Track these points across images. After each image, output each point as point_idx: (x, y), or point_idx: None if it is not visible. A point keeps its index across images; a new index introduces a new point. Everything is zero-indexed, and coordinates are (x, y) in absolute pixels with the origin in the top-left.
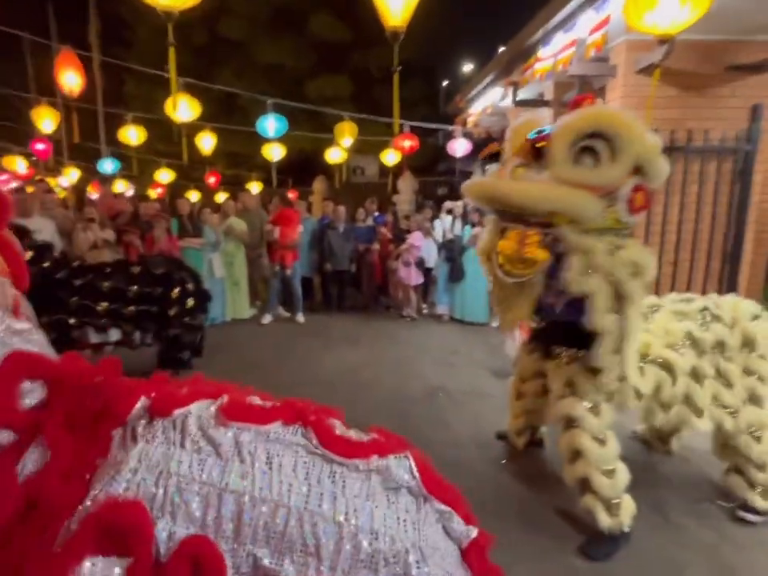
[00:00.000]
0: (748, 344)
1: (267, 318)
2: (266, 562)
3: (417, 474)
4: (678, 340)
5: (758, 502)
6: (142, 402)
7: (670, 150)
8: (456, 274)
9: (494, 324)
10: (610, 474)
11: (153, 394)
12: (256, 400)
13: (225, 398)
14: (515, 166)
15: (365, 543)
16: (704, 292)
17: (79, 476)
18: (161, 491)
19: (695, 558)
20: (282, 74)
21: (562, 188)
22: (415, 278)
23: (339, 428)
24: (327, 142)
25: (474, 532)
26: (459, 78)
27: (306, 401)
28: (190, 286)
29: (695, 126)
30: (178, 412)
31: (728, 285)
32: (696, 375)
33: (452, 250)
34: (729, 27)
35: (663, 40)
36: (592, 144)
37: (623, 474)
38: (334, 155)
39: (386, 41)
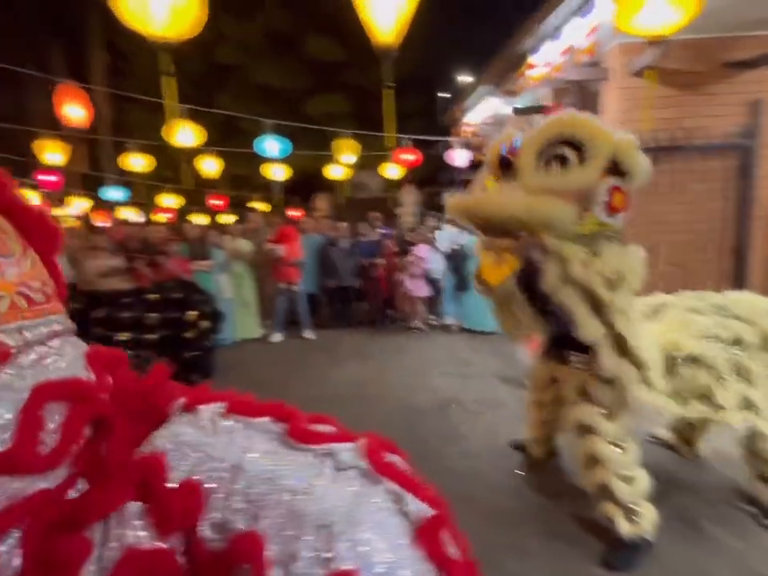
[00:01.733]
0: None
1: (277, 337)
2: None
3: (367, 458)
4: (701, 332)
5: None
6: (180, 402)
7: (670, 149)
8: (462, 284)
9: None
10: (629, 480)
11: (189, 397)
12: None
13: (234, 400)
14: (486, 180)
15: (301, 505)
16: (716, 291)
17: None
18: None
19: (722, 566)
20: (279, 96)
21: (531, 197)
22: (422, 289)
23: (320, 427)
24: (328, 158)
25: (428, 512)
26: (456, 88)
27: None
28: (205, 308)
29: (693, 124)
30: (199, 407)
31: (738, 282)
32: (724, 369)
33: (457, 260)
34: (723, 24)
35: (655, 42)
36: (560, 151)
37: (643, 481)
38: (336, 172)
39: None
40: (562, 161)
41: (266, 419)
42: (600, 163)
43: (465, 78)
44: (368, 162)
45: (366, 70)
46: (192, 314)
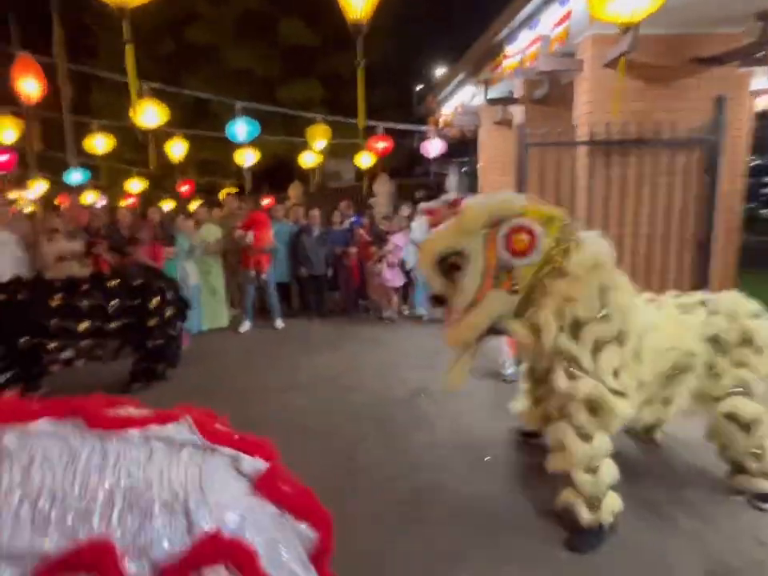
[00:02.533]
0: (747, 339)
1: (245, 326)
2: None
3: (196, 431)
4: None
5: (765, 485)
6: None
7: (639, 142)
8: None
9: None
10: (593, 471)
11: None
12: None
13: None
14: None
15: (140, 495)
16: (677, 282)
17: None
18: None
19: (682, 547)
20: (251, 80)
21: (470, 315)
22: (398, 279)
23: (124, 411)
24: (301, 146)
25: (262, 465)
26: (431, 80)
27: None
28: (169, 295)
29: (662, 117)
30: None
31: (700, 274)
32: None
33: None
34: (690, 20)
35: (626, 29)
36: (452, 261)
37: (610, 471)
38: (308, 159)
39: (354, 43)
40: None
41: (45, 420)
42: (480, 261)
43: (441, 70)
44: (341, 150)
45: (341, 56)
46: (155, 301)
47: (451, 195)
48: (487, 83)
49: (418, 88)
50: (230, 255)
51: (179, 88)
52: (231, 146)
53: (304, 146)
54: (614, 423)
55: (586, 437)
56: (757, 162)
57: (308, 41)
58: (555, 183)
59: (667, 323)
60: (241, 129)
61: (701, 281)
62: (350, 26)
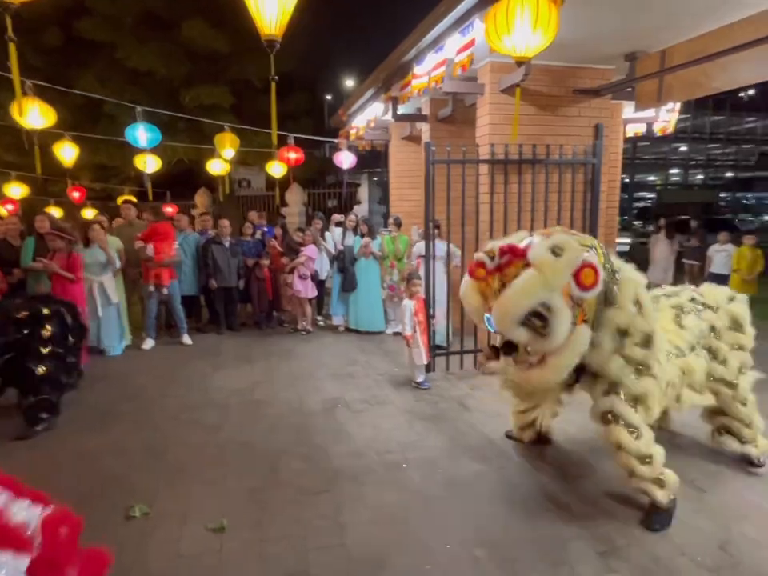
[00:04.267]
0: (735, 323)
1: (149, 343)
2: None
3: None
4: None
5: (753, 451)
6: None
7: (533, 162)
8: (349, 284)
9: (389, 331)
10: (647, 460)
11: None
12: None
13: None
14: None
15: None
16: None
17: None
18: None
19: (707, 517)
20: (153, 82)
21: (560, 355)
22: (310, 290)
23: None
24: (209, 153)
25: (38, 513)
26: (342, 92)
27: None
28: (67, 320)
29: (552, 140)
30: None
31: None
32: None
33: (344, 261)
34: (573, 55)
35: (520, 62)
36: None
37: (660, 455)
38: (216, 167)
39: (264, 51)
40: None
41: None
42: (564, 306)
43: (351, 83)
44: (251, 158)
45: (251, 63)
46: (45, 331)
47: (363, 206)
48: (396, 100)
49: (328, 97)
50: (129, 268)
51: (68, 85)
52: (130, 150)
53: (211, 152)
54: (655, 414)
55: (636, 433)
56: (626, 181)
57: (216, 45)
58: (460, 197)
59: (668, 324)
60: (141, 134)
61: None
62: (263, 41)
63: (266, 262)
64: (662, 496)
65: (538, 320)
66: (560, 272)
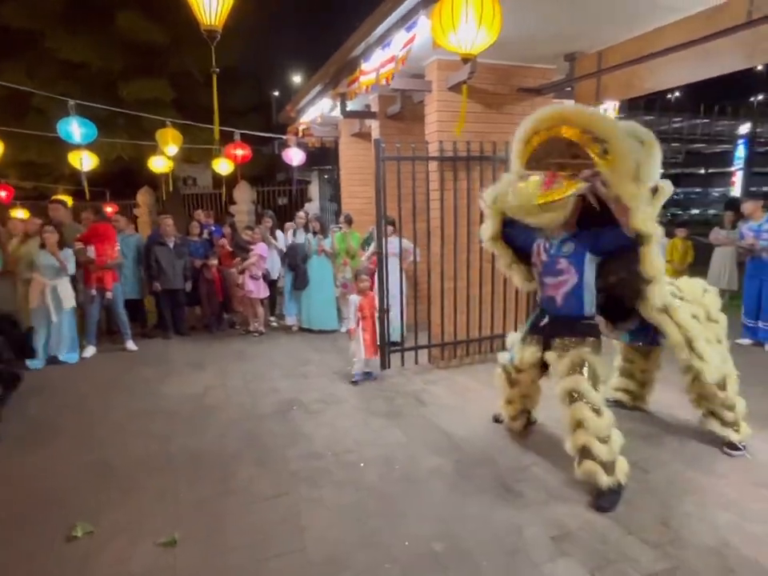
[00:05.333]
0: (708, 314)
1: (90, 351)
2: None
3: None
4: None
5: (733, 435)
6: None
7: (480, 159)
8: (300, 282)
9: (344, 329)
10: (606, 439)
11: None
12: None
13: None
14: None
15: None
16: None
17: None
18: None
19: (683, 495)
20: (87, 75)
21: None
22: (262, 290)
23: None
24: (150, 150)
25: None
26: (291, 88)
27: None
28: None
29: (498, 138)
30: None
31: None
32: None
33: (295, 257)
34: (516, 55)
35: (466, 59)
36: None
37: (618, 439)
38: (158, 164)
39: (206, 43)
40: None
41: None
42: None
43: (299, 80)
44: (196, 155)
45: (193, 56)
46: None
47: (314, 203)
48: (344, 96)
49: (276, 94)
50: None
51: None
52: (63, 146)
53: (153, 149)
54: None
55: (598, 412)
56: None
57: (154, 37)
58: (411, 193)
59: None
60: (75, 129)
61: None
62: (203, 32)
63: (213, 262)
64: (611, 480)
65: None
66: None
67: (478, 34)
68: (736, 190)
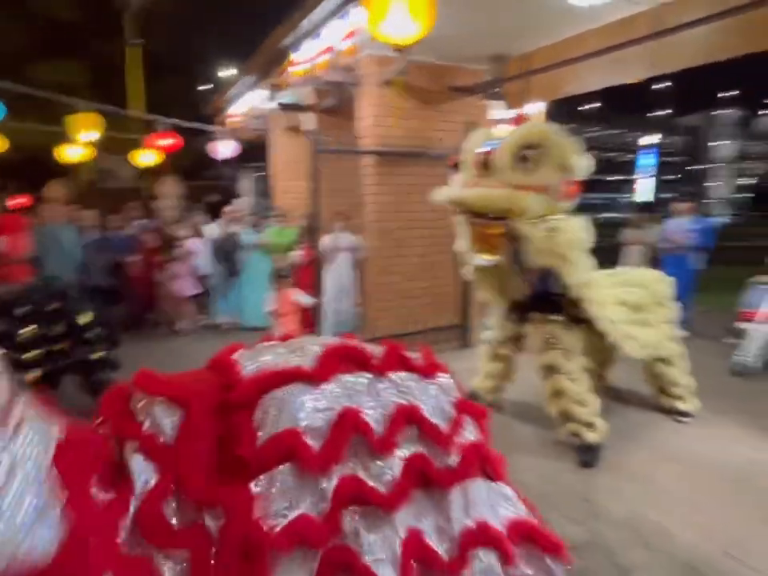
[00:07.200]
0: (658, 300)
1: None
2: None
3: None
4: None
5: (682, 406)
6: None
7: (415, 155)
8: (233, 270)
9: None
10: (584, 403)
11: None
12: None
13: None
14: (471, 176)
15: None
16: (447, 271)
17: None
18: None
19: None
20: None
21: (510, 190)
22: (189, 288)
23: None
24: (62, 137)
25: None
26: (219, 82)
27: None
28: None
29: (432, 135)
30: None
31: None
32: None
33: (225, 247)
34: (448, 54)
35: (398, 50)
36: (526, 153)
37: (594, 402)
38: (71, 153)
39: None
40: (526, 159)
41: None
42: (554, 163)
43: (227, 71)
44: (117, 146)
45: (113, 39)
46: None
47: (246, 199)
48: (275, 88)
49: (204, 86)
50: None
51: None
52: None
53: (64, 137)
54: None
55: (575, 380)
56: None
57: (68, 16)
58: (347, 189)
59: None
60: None
61: None
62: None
63: (136, 258)
64: (595, 437)
65: None
66: None
67: (411, 24)
68: (639, 196)
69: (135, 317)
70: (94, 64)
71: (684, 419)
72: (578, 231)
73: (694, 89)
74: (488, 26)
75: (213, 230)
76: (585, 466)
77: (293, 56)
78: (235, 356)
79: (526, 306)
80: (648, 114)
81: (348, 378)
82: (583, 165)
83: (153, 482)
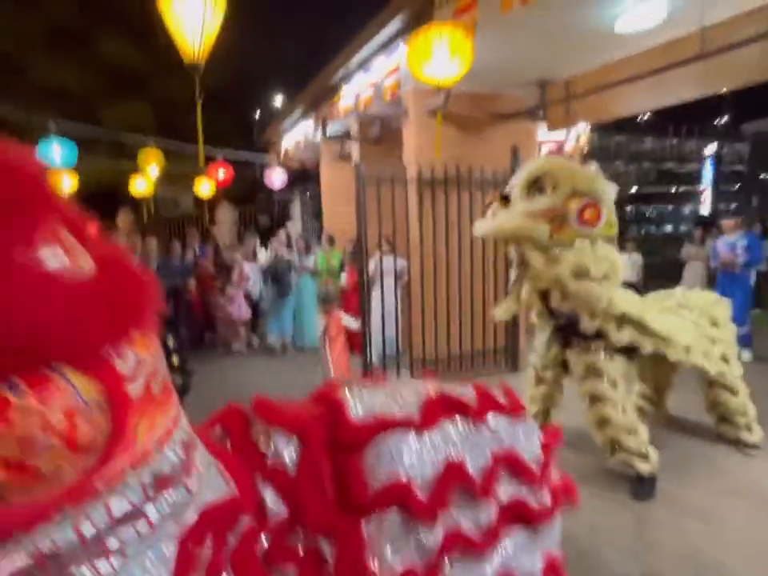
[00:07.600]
0: (714, 322)
1: None
2: None
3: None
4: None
5: (748, 437)
6: None
7: (457, 182)
8: (283, 291)
9: None
10: (633, 432)
11: None
12: None
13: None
14: (497, 208)
15: None
16: (493, 295)
17: None
18: None
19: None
20: (67, 98)
21: (518, 219)
22: (245, 311)
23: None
24: (130, 173)
25: None
26: (271, 109)
27: None
28: None
29: (475, 162)
30: None
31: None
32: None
33: (277, 269)
34: (490, 82)
35: (439, 89)
36: (540, 184)
37: (644, 431)
38: (140, 186)
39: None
40: (541, 189)
41: None
42: (566, 190)
43: (280, 102)
44: (177, 178)
45: (173, 81)
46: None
47: (296, 223)
48: (325, 120)
49: (257, 116)
50: None
51: None
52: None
53: (133, 172)
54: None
55: (622, 409)
56: None
57: (133, 61)
58: (391, 215)
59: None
60: (56, 151)
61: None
62: (186, 67)
63: (192, 283)
64: (648, 468)
65: None
66: None
67: (451, 65)
68: (705, 208)
69: (193, 339)
70: (159, 105)
71: (751, 451)
72: (586, 257)
73: (757, 95)
74: (530, 55)
75: (264, 253)
76: (639, 498)
77: (344, 89)
78: (340, 395)
79: (567, 330)
80: (709, 122)
81: (449, 425)
82: (603, 188)
83: (283, 516)
